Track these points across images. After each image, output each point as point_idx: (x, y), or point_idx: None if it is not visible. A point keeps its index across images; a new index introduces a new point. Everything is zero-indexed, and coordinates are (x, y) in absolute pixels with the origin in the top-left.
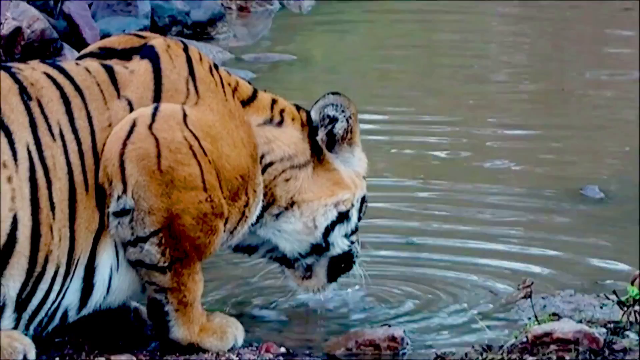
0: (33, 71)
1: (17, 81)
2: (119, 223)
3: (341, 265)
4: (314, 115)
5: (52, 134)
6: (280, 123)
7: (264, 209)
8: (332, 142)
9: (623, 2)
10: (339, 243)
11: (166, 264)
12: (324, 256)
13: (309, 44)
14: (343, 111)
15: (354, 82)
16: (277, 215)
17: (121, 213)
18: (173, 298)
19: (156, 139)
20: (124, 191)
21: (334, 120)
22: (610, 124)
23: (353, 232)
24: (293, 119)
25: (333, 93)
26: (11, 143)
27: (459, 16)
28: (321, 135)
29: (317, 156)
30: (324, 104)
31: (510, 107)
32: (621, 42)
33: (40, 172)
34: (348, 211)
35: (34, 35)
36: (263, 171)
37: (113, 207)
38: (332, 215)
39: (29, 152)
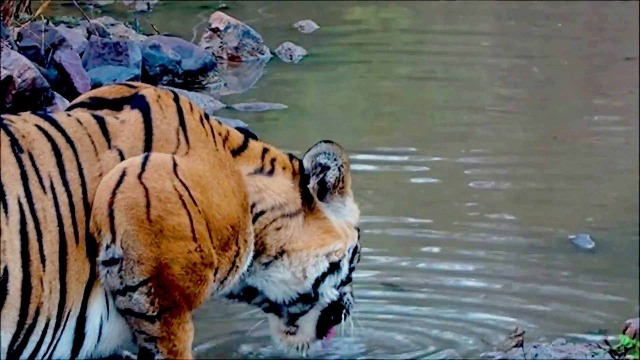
0: (25, 123)
1: (9, 133)
2: (107, 272)
3: (331, 317)
4: (306, 163)
5: (43, 187)
6: (271, 172)
7: (254, 257)
8: (324, 190)
9: (625, 51)
10: (329, 293)
11: (155, 313)
12: (313, 307)
13: (299, 93)
14: (335, 160)
15: (345, 129)
16: (267, 264)
17: (110, 262)
18: (163, 347)
19: (145, 189)
20: (113, 240)
21: (325, 168)
22: (601, 173)
23: (344, 283)
24: (284, 168)
25: (325, 141)
26: (2, 195)
27: (448, 58)
28: (313, 183)
29: (308, 205)
30: (316, 152)
31: (500, 155)
32: (617, 90)
33: (31, 225)
34: (340, 261)
35: (25, 84)
36: (254, 220)
37: (102, 256)
38: (324, 266)
39: (20, 205)
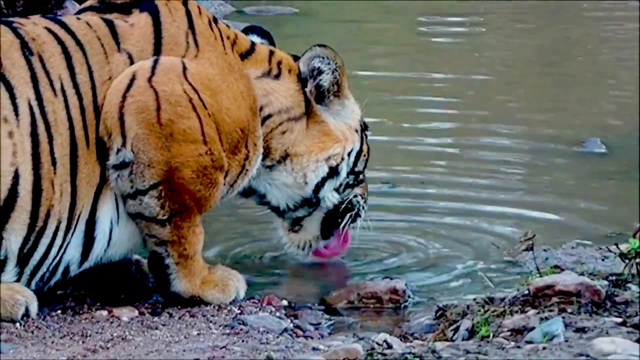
0: (35, 26)
1: (19, 36)
2: (118, 176)
3: (338, 219)
4: (303, 67)
5: (54, 89)
6: (277, 75)
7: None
8: (321, 94)
9: None
10: (330, 197)
11: (165, 217)
12: (317, 210)
13: None
14: (329, 63)
15: (354, 34)
16: (271, 168)
17: (121, 166)
18: (173, 251)
19: (156, 92)
20: (124, 144)
21: (320, 72)
22: (612, 75)
23: (351, 185)
24: (289, 70)
25: (319, 45)
26: (12, 98)
27: None
28: (310, 87)
29: (308, 109)
30: (310, 55)
31: (512, 58)
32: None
33: (42, 127)
34: (338, 165)
35: None
36: (261, 123)
37: (113, 160)
38: (323, 170)
39: (31, 107)
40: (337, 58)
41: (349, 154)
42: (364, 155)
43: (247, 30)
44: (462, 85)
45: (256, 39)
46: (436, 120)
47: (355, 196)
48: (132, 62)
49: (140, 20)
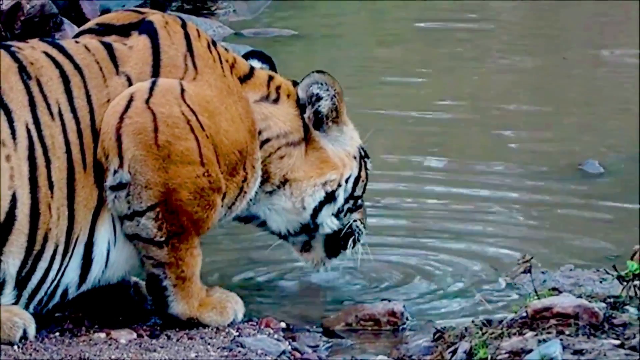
0: (33, 50)
1: (17, 60)
2: (115, 197)
3: (339, 242)
4: (301, 93)
5: (51, 113)
6: (276, 100)
7: (259, 185)
8: (320, 120)
9: None
10: (328, 223)
11: (163, 239)
12: (317, 235)
13: (308, 19)
14: (327, 90)
15: (354, 56)
16: (271, 193)
17: (118, 187)
18: (171, 273)
19: (153, 114)
20: (121, 165)
21: (319, 98)
22: (608, 98)
23: (351, 210)
24: (288, 96)
25: (318, 71)
26: (10, 122)
27: None
28: (308, 113)
29: (307, 134)
30: (309, 82)
31: (509, 81)
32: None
33: (39, 151)
34: (334, 191)
35: (34, 10)
36: (260, 147)
37: (110, 181)
38: (320, 195)
39: (28, 131)
40: (335, 84)
41: (346, 180)
42: (362, 181)
43: (247, 55)
44: (458, 106)
45: (257, 63)
46: (433, 141)
47: (354, 221)
48: (130, 85)
49: (139, 42)
